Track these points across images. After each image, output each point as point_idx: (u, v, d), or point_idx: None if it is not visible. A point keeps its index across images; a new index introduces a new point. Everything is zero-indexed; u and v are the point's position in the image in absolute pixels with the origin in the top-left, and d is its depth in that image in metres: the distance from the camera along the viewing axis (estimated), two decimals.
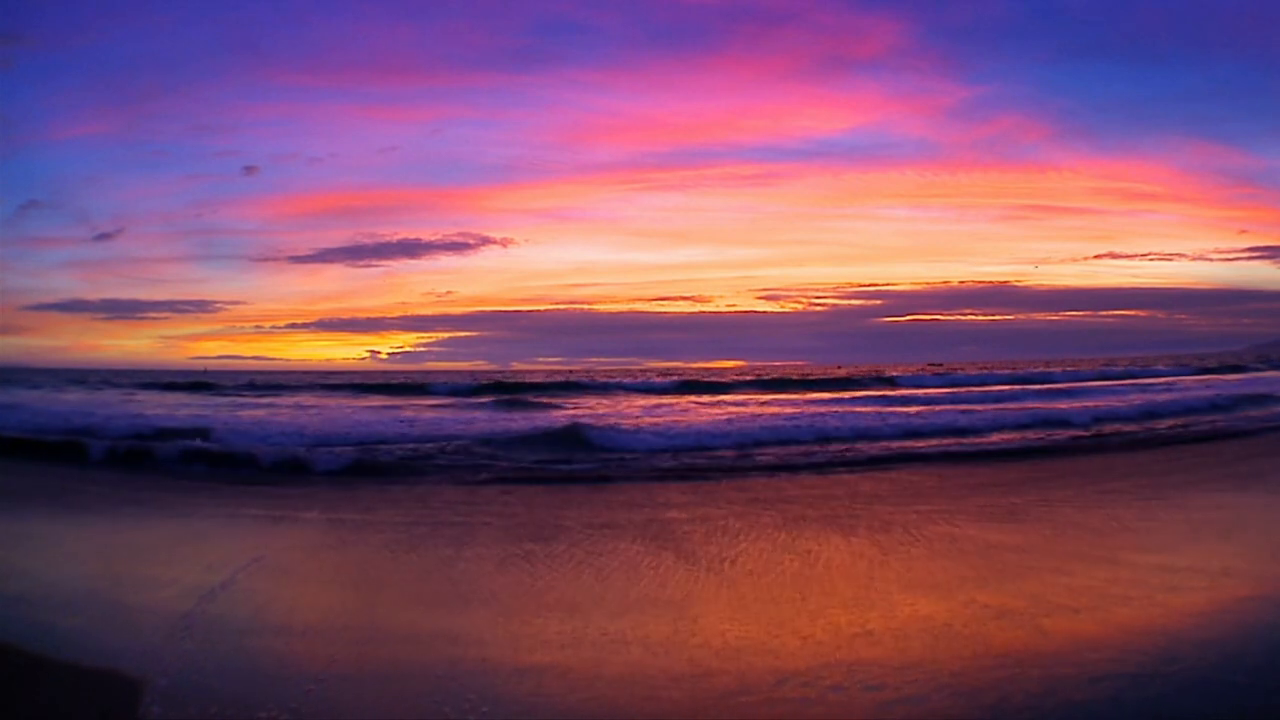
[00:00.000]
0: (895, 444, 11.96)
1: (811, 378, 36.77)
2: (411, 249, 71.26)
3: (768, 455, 11.02)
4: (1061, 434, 12.89)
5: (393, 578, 5.12)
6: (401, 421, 15.35)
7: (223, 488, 8.94)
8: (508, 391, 27.49)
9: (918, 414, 15.33)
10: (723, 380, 35.04)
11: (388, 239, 71.66)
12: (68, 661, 3.50)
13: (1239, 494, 7.56)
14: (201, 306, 77.09)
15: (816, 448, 11.63)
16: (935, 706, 2.95)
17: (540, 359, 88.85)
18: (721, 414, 16.66)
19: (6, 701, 3.16)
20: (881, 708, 2.94)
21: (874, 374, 38.69)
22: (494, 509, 7.40)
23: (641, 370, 59.71)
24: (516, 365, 78.62)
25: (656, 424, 14.09)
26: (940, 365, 57.60)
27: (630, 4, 47.37)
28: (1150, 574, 4.53)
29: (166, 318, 78.45)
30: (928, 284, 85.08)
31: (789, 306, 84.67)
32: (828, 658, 3.43)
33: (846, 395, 24.52)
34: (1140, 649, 3.38)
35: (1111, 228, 72.63)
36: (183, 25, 47.75)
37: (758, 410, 17.78)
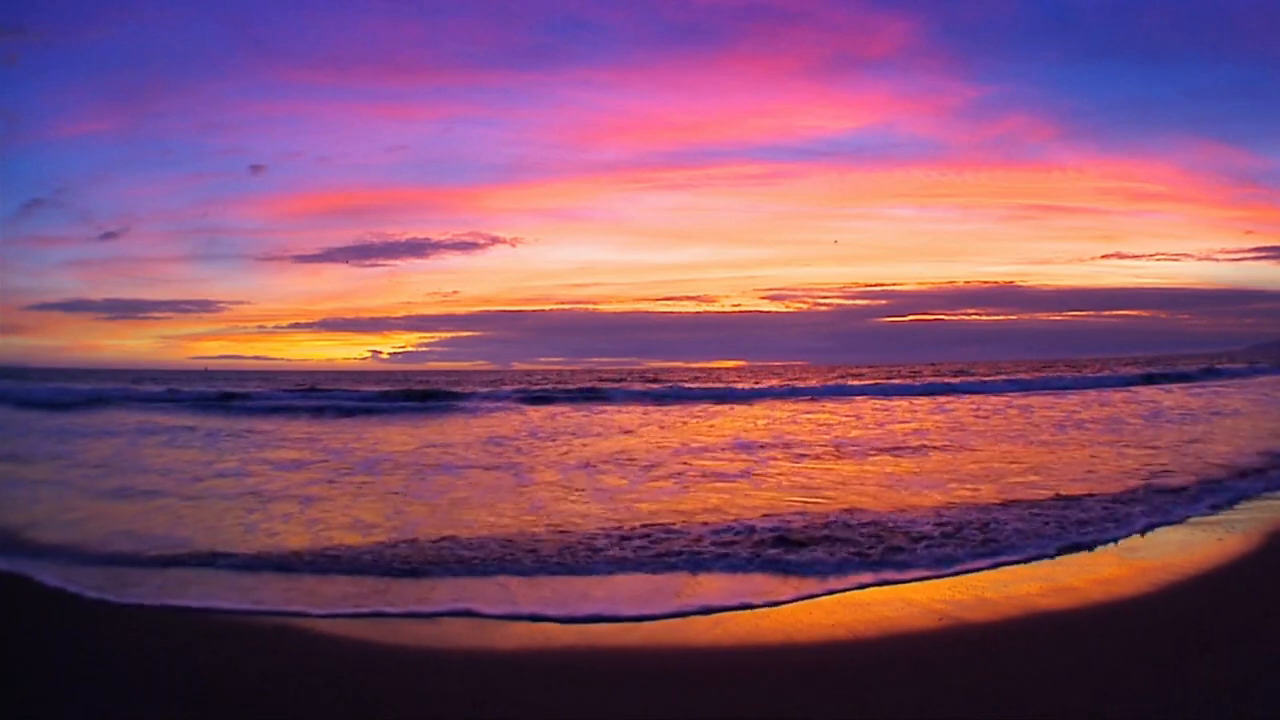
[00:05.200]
0: None
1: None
2: (419, 248, 72.03)
3: None
4: None
5: None
6: None
7: None
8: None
9: None
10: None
11: (395, 238, 72.35)
12: None
13: None
14: (204, 306, 77.86)
15: None
16: None
17: (542, 359, 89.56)
18: None
19: None
20: None
21: None
22: None
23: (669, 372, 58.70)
24: (518, 365, 79.26)
25: None
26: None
27: (641, 2, 47.48)
28: None
29: (169, 317, 79.49)
30: (933, 284, 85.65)
31: (794, 306, 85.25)
32: None
33: None
34: None
35: (1117, 228, 73.31)
36: (189, 22, 48.00)
37: None
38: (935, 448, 11.69)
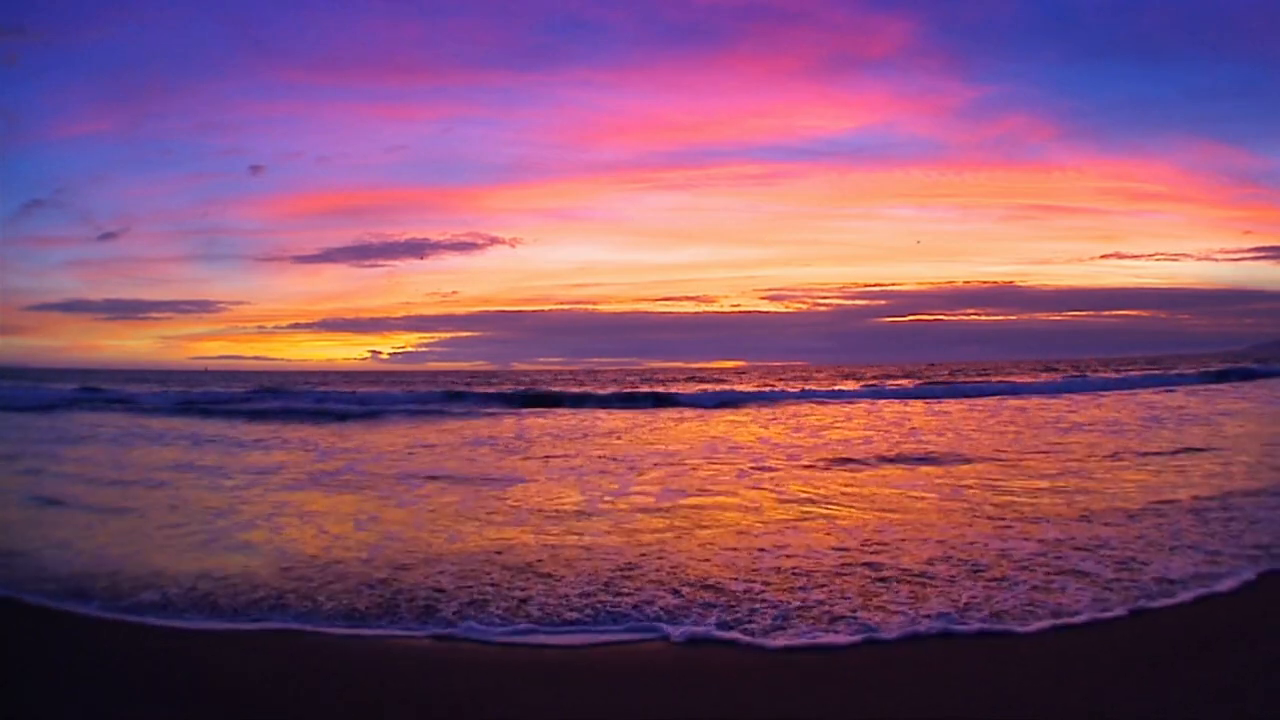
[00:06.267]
0: None
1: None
2: (419, 249, 72.06)
3: None
4: None
5: None
6: None
7: None
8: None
9: None
10: None
11: (395, 239, 72.40)
12: None
13: None
14: (204, 307, 77.89)
15: None
16: None
17: (541, 359, 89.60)
18: None
19: None
20: None
21: None
22: None
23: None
24: (517, 365, 79.30)
25: None
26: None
27: (641, 2, 47.40)
28: None
29: (169, 318, 79.58)
30: (932, 284, 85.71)
31: (793, 306, 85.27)
32: None
33: None
34: None
35: (1117, 228, 73.47)
36: (189, 22, 47.90)
37: None
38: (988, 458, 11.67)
